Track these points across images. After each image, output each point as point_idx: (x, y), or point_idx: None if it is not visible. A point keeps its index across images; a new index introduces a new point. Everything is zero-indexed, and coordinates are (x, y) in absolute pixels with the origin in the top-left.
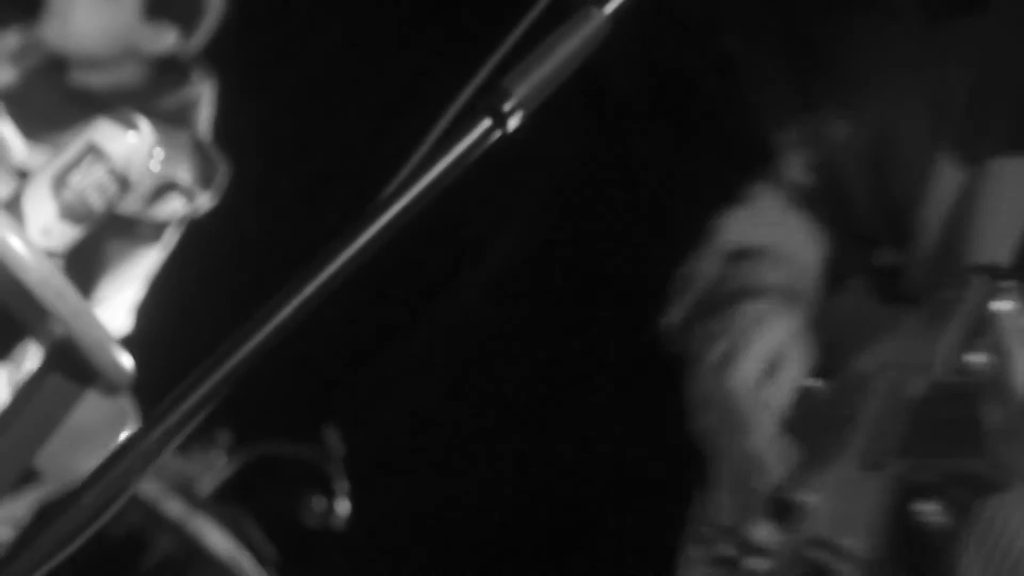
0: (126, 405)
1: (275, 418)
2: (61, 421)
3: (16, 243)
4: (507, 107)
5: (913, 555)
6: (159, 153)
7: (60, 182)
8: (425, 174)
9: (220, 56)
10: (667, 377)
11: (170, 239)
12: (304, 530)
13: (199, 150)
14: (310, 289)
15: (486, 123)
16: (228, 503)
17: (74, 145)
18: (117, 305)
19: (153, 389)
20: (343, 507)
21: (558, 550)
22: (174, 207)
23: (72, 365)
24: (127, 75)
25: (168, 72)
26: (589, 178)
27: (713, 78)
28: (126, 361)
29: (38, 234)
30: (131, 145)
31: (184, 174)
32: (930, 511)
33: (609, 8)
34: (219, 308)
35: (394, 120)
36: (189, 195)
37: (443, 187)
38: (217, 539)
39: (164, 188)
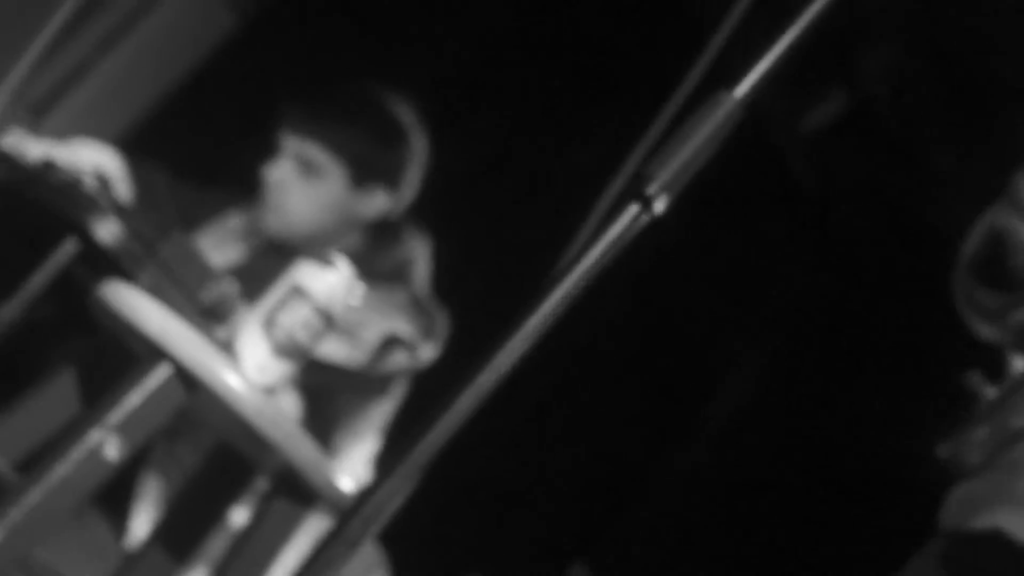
0: (374, 557)
1: (522, 559)
2: (288, 540)
3: (235, 381)
4: (651, 191)
5: None
6: (358, 289)
7: (270, 322)
8: (582, 260)
9: (426, 209)
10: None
11: (398, 391)
12: None
13: (418, 305)
14: (486, 379)
15: (633, 208)
16: None
17: (279, 288)
18: (356, 458)
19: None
20: None
21: None
22: (398, 360)
23: (294, 490)
24: (349, 242)
25: (383, 233)
26: (825, 308)
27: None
28: (344, 483)
29: (254, 372)
30: (331, 283)
31: (405, 328)
32: None
33: (740, 92)
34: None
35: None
36: (411, 348)
37: (600, 271)
38: None
39: (387, 343)
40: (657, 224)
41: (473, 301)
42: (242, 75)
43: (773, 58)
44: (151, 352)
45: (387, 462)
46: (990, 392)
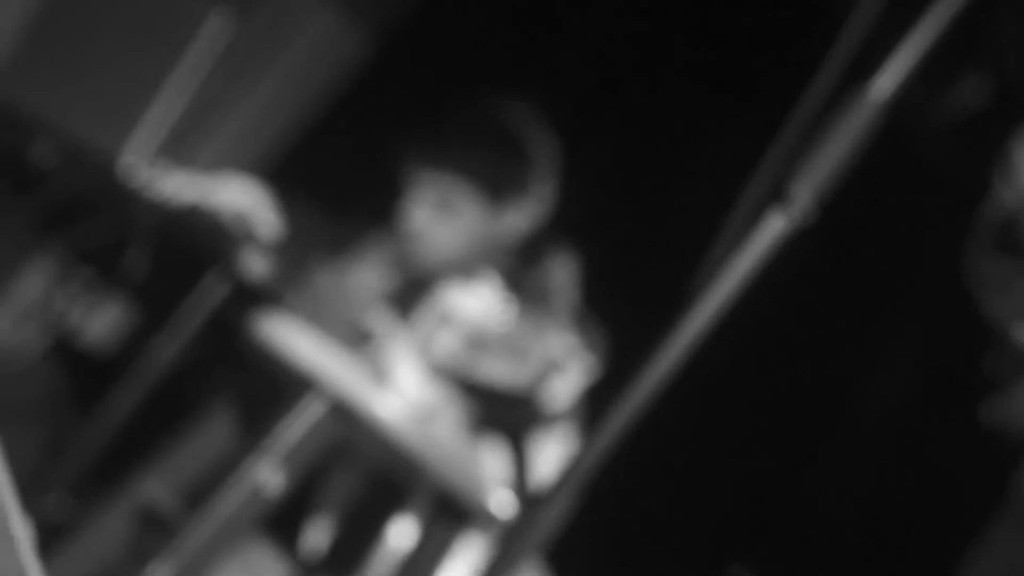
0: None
1: (680, 560)
2: (442, 558)
3: (387, 413)
4: (794, 199)
5: None
6: (507, 310)
7: (423, 348)
8: (727, 270)
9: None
10: None
11: (573, 411)
12: None
13: (576, 321)
14: (642, 392)
15: (777, 216)
16: None
17: (430, 314)
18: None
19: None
20: None
21: None
22: (566, 382)
23: (451, 507)
24: (495, 266)
25: (530, 252)
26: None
27: None
28: (500, 498)
29: (410, 397)
30: (479, 306)
31: (563, 348)
32: None
33: (880, 93)
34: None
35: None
36: (575, 365)
37: (747, 280)
38: None
39: (549, 366)
40: (804, 230)
41: (620, 312)
42: (375, 103)
43: (914, 56)
44: (308, 388)
45: (546, 494)
46: None
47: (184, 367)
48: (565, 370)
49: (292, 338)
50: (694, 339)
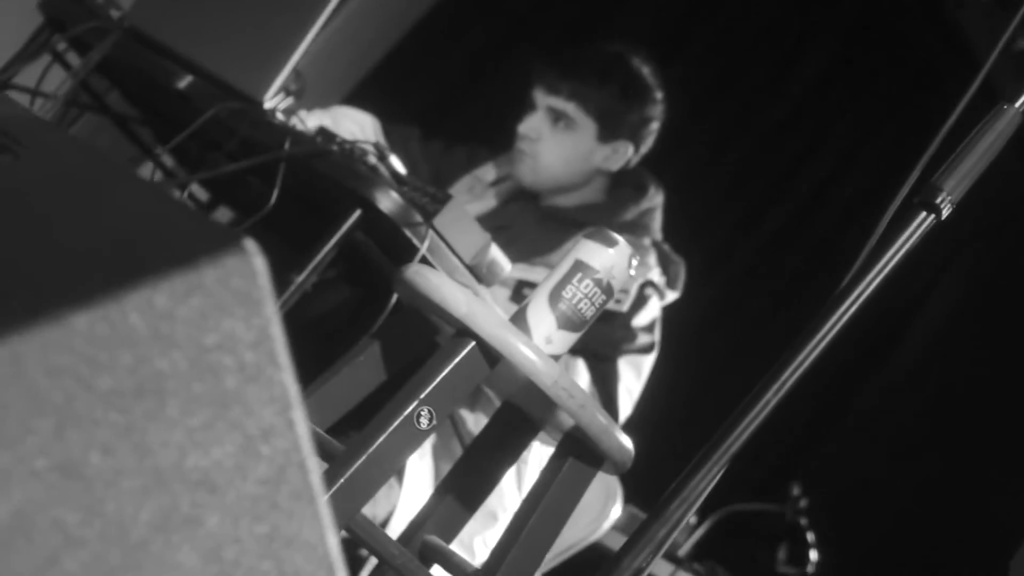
0: (615, 483)
1: (743, 480)
2: (578, 500)
3: (530, 352)
4: (940, 200)
5: None
6: (635, 261)
7: (556, 297)
8: (876, 265)
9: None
10: None
11: (658, 338)
12: None
13: (661, 252)
14: (790, 374)
15: (924, 216)
16: (705, 560)
17: (564, 264)
18: (629, 407)
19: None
20: (812, 555)
21: None
22: (653, 308)
23: (584, 451)
24: (591, 193)
25: (626, 184)
26: None
27: None
28: (628, 444)
29: (543, 343)
30: (612, 257)
31: (655, 276)
32: None
33: (1020, 103)
34: (685, 388)
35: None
36: (661, 294)
37: (891, 274)
38: None
39: (645, 295)
40: (943, 227)
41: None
42: (479, 28)
43: None
44: (457, 329)
45: (697, 461)
46: None
47: (329, 301)
48: (658, 296)
49: (446, 287)
50: (837, 331)
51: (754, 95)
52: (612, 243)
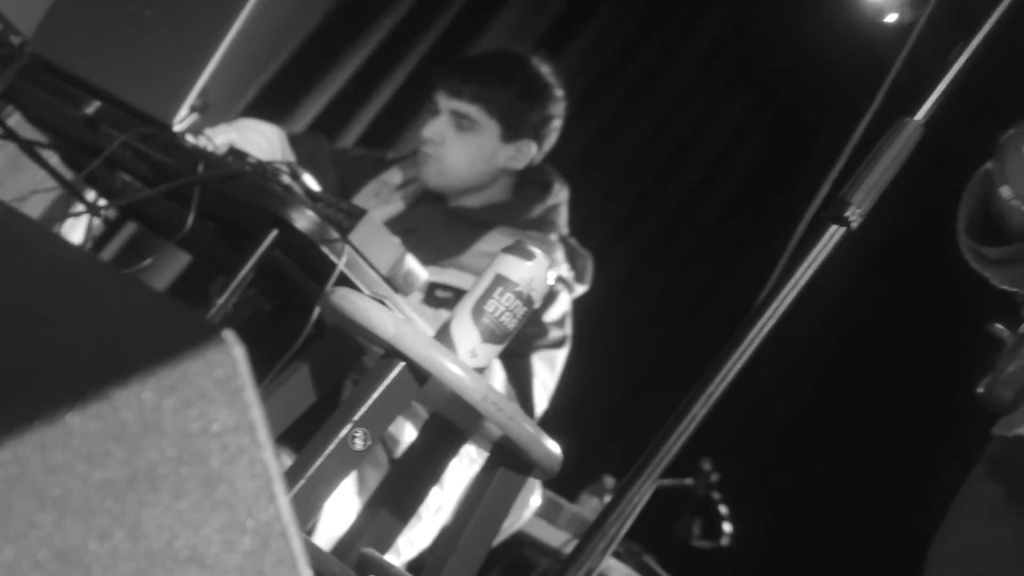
0: (532, 482)
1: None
2: (510, 506)
3: (458, 371)
4: (850, 213)
5: None
6: (553, 273)
7: (479, 312)
8: (791, 276)
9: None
10: None
11: (569, 332)
12: (695, 553)
13: (568, 247)
14: (715, 386)
15: (834, 228)
16: (625, 538)
17: (485, 279)
18: (544, 402)
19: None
20: (725, 527)
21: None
22: (563, 303)
23: (514, 460)
24: (497, 192)
25: (531, 182)
26: None
27: None
28: (556, 451)
29: (468, 357)
30: (531, 270)
31: (563, 271)
32: None
33: (920, 116)
34: (605, 384)
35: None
36: (570, 289)
37: (804, 285)
38: (620, 572)
39: (554, 290)
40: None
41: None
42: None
43: (947, 82)
44: (386, 351)
45: (634, 469)
46: (1010, 337)
47: (256, 324)
48: (567, 291)
49: (372, 310)
50: (758, 340)
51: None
52: (530, 256)
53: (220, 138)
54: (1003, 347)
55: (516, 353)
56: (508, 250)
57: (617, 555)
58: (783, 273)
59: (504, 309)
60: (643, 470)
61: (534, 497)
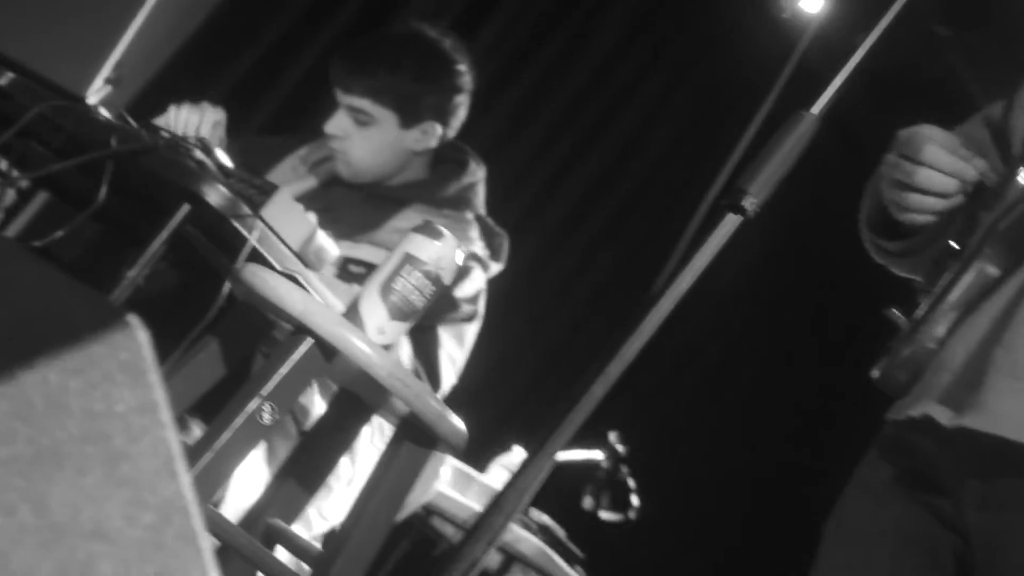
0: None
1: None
2: (415, 481)
3: (365, 347)
4: (746, 202)
5: None
6: (461, 252)
7: (387, 290)
8: (688, 264)
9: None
10: None
11: (481, 309)
12: (602, 525)
13: (483, 225)
14: (614, 369)
15: (731, 217)
16: (534, 511)
17: (393, 258)
18: (451, 375)
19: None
20: (632, 500)
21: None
22: (477, 280)
23: (420, 435)
24: (412, 173)
25: (447, 161)
26: None
27: None
28: (461, 427)
29: (376, 334)
30: (439, 250)
31: (477, 248)
32: None
33: (816, 109)
34: (516, 361)
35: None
36: (484, 266)
37: (701, 272)
38: (528, 544)
39: (467, 266)
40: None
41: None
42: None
43: (844, 77)
44: (295, 327)
45: (532, 444)
46: (906, 323)
47: (160, 289)
48: (482, 269)
49: (281, 287)
50: (658, 325)
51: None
52: (439, 236)
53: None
54: (899, 332)
55: (423, 326)
56: (417, 230)
57: (527, 528)
58: (682, 259)
59: (412, 287)
60: (542, 447)
61: (443, 469)
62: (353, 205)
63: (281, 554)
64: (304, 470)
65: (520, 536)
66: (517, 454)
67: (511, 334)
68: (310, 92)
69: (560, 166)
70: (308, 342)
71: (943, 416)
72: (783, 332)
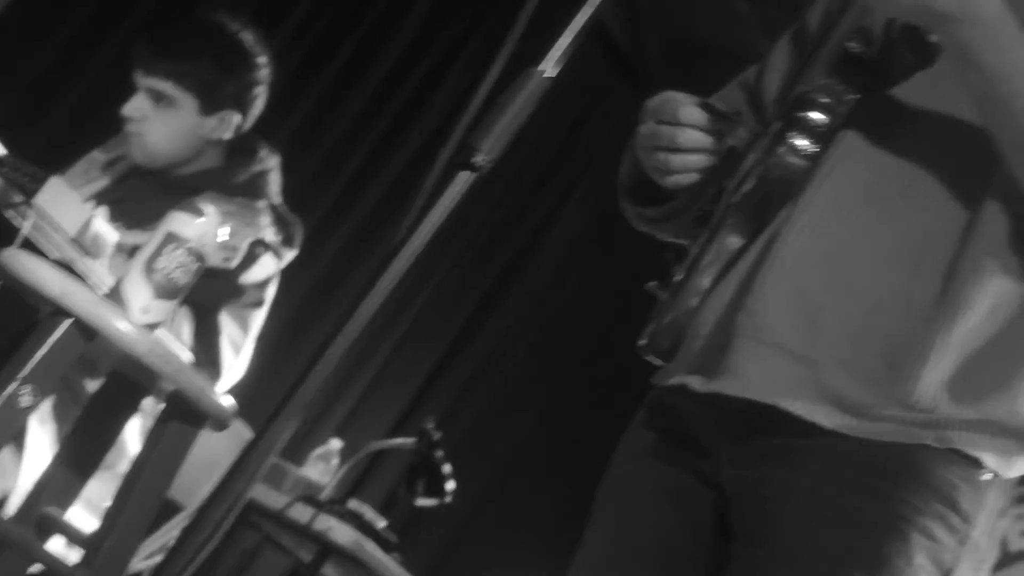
0: (246, 435)
1: (381, 420)
2: (183, 458)
3: (124, 325)
4: (477, 159)
5: None
6: (225, 230)
7: (149, 268)
8: (424, 220)
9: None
10: None
11: (269, 295)
12: (418, 510)
13: (276, 213)
14: (355, 328)
15: (463, 174)
16: (348, 499)
17: (156, 236)
18: (240, 362)
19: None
20: (449, 485)
21: None
22: (267, 266)
23: (186, 412)
24: (206, 161)
25: (240, 151)
26: None
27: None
28: (226, 403)
29: (139, 314)
30: (200, 226)
31: (268, 235)
32: None
33: (544, 67)
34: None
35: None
36: (277, 253)
37: (438, 227)
38: (342, 533)
39: (256, 253)
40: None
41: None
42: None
43: (571, 35)
44: (53, 309)
45: (277, 405)
46: (662, 292)
47: None
48: (273, 256)
49: (39, 269)
50: (394, 283)
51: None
52: (200, 213)
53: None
54: (659, 302)
55: (207, 310)
56: (179, 207)
57: (339, 516)
58: (417, 217)
59: (176, 265)
60: (277, 413)
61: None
62: (148, 195)
63: (58, 542)
64: (76, 455)
65: (332, 526)
66: (334, 445)
67: (321, 329)
68: (109, 88)
69: (362, 160)
70: (66, 323)
71: (696, 383)
72: (586, 318)
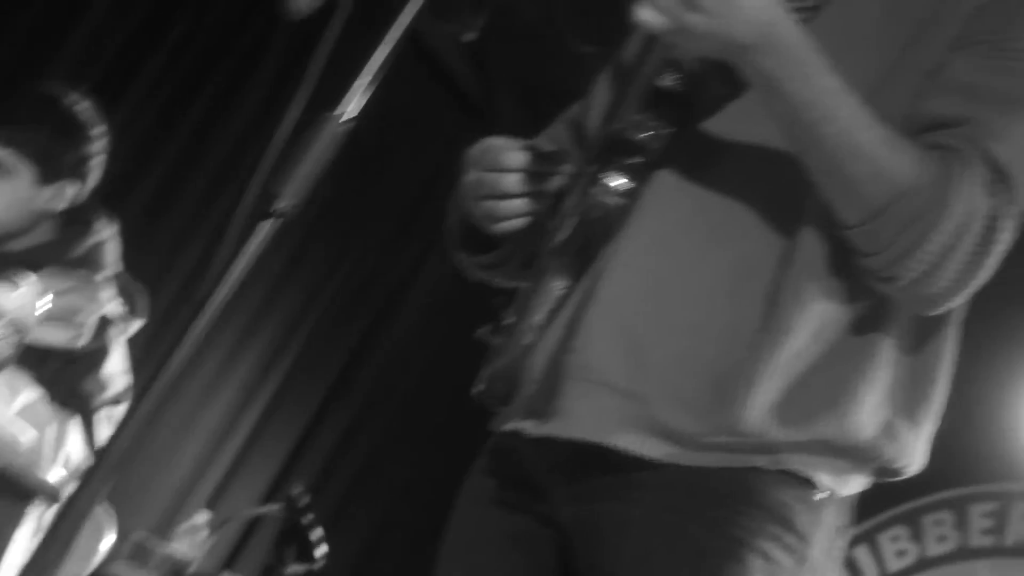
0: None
1: (253, 489)
2: (8, 538)
3: None
4: (277, 206)
5: None
6: (46, 300)
7: None
8: (229, 272)
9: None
10: None
11: (130, 377)
12: None
13: (119, 284)
14: (163, 378)
15: (266, 222)
16: (222, 572)
17: None
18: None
19: None
20: (320, 550)
21: None
22: (120, 347)
23: (12, 490)
24: (39, 235)
25: (74, 222)
26: None
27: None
28: (52, 477)
29: None
30: (19, 297)
31: (111, 309)
32: None
33: (339, 112)
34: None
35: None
36: (124, 327)
37: (243, 277)
38: None
39: (103, 324)
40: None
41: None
42: None
43: (368, 77)
44: None
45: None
46: (495, 339)
47: None
48: (119, 327)
49: None
50: (206, 331)
51: None
52: (16, 284)
53: None
54: (492, 349)
55: (84, 413)
56: None
57: None
58: (222, 269)
59: None
60: (86, 480)
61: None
62: None
63: None
64: None
65: None
66: (201, 518)
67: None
68: None
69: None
70: None
71: (530, 427)
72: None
